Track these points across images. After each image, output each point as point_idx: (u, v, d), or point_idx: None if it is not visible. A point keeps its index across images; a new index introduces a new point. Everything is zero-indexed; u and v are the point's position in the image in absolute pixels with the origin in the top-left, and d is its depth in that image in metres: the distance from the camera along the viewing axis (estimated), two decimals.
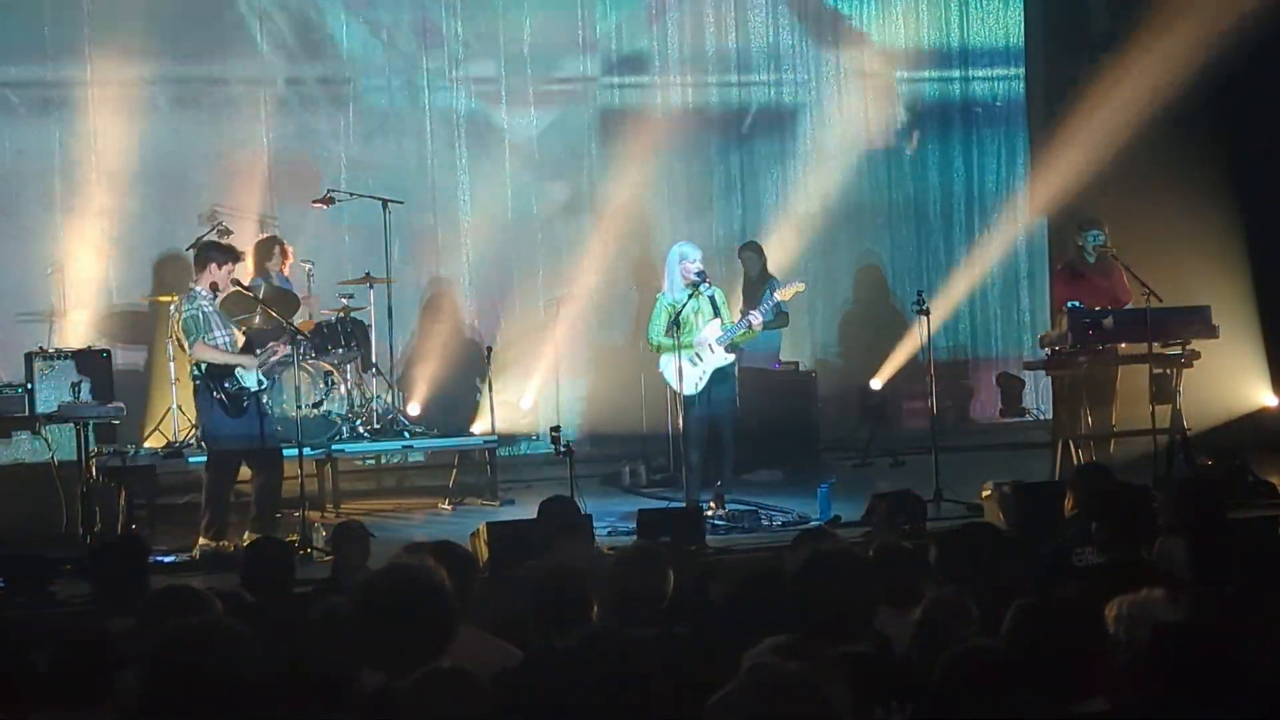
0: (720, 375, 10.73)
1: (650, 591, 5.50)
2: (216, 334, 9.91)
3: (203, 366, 9.91)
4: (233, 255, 10.24)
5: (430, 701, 3.61)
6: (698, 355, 10.64)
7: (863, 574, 4.72)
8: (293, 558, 7.21)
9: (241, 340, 10.18)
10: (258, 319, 11.24)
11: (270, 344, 10.19)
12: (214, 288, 9.96)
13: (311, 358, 11.34)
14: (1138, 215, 12.63)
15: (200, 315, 9.86)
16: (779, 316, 11.65)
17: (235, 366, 9.85)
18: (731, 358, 10.81)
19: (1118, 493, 6.73)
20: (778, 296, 11.11)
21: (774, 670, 3.36)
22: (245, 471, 10.14)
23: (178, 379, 11.67)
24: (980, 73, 15.13)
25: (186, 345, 9.89)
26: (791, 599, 4.69)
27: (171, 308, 10.25)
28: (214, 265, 9.95)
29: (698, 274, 10.68)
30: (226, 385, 9.83)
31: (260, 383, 9.93)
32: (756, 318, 10.85)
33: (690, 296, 10.66)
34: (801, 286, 11.34)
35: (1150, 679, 4.08)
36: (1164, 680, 4.01)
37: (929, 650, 4.43)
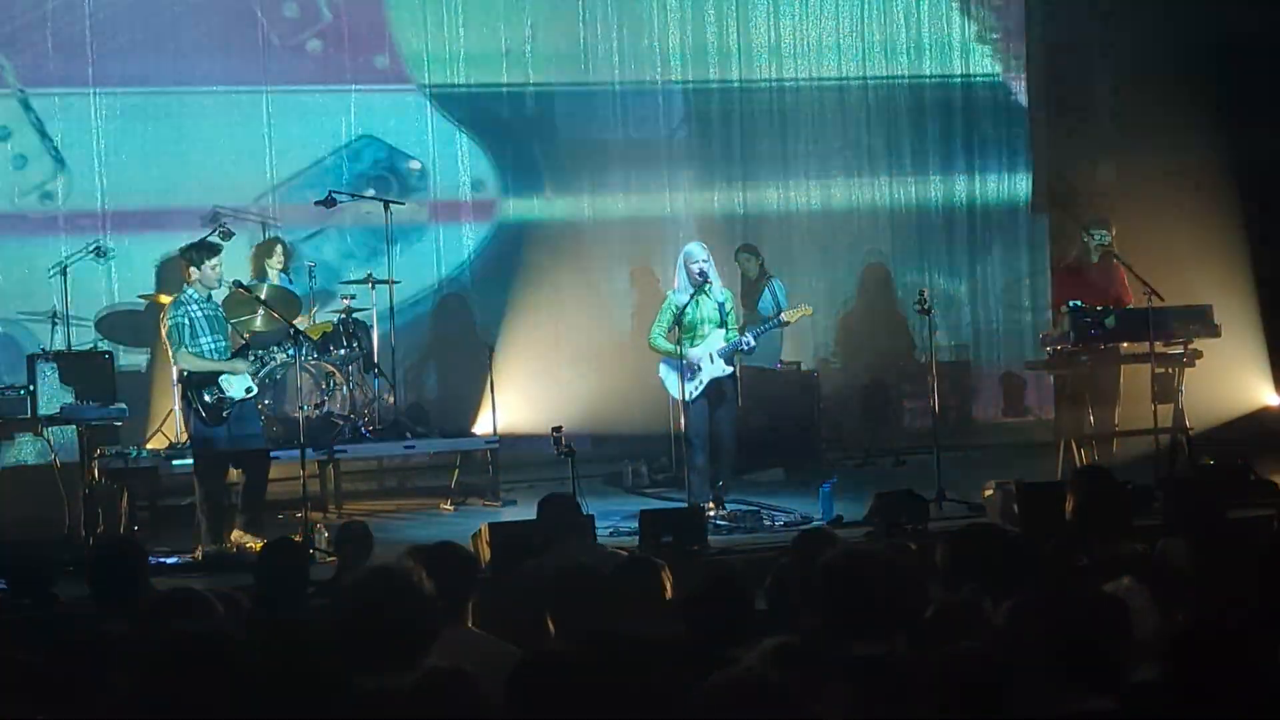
0: (717, 386, 10.74)
1: (651, 594, 5.50)
2: (202, 340, 9.86)
3: (185, 374, 9.89)
4: (209, 250, 10.10)
5: (429, 702, 3.63)
6: (697, 364, 10.67)
7: (893, 576, 4.72)
8: (307, 558, 7.21)
9: (240, 343, 10.16)
10: (259, 320, 11.24)
11: (271, 348, 10.18)
12: (235, 285, 9.91)
13: (313, 358, 11.35)
14: (1139, 214, 12.63)
15: (185, 322, 9.80)
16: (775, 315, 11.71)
17: (220, 375, 9.80)
18: (730, 369, 10.85)
19: (1103, 492, 6.74)
20: (784, 317, 11.19)
21: (734, 679, 3.35)
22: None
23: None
24: (981, 69, 15.13)
25: (170, 353, 9.89)
26: (819, 597, 4.69)
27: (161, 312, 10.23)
28: (193, 269, 9.92)
29: (700, 274, 10.70)
30: (206, 397, 9.78)
31: (249, 390, 9.88)
32: (749, 342, 10.87)
33: (692, 298, 10.68)
34: (809, 310, 11.34)
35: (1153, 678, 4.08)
36: (1169, 681, 4.01)
37: (938, 653, 4.42)
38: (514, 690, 3.75)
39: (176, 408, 11.13)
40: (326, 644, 4.34)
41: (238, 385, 9.81)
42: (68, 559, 9.27)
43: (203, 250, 10.05)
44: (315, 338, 11.46)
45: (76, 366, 11.21)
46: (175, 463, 10.95)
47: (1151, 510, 8.81)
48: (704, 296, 10.72)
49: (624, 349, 13.90)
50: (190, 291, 9.90)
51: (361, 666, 4.12)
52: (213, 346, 9.88)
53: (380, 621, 4.20)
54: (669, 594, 5.66)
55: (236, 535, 9.84)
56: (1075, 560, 6.25)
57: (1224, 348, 11.58)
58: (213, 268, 9.90)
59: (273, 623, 5.32)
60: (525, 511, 10.12)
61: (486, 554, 8.59)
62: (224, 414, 9.81)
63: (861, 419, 14.04)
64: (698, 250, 10.83)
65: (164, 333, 9.91)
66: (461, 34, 13.84)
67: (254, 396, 10.01)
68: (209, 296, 9.99)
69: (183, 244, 10.66)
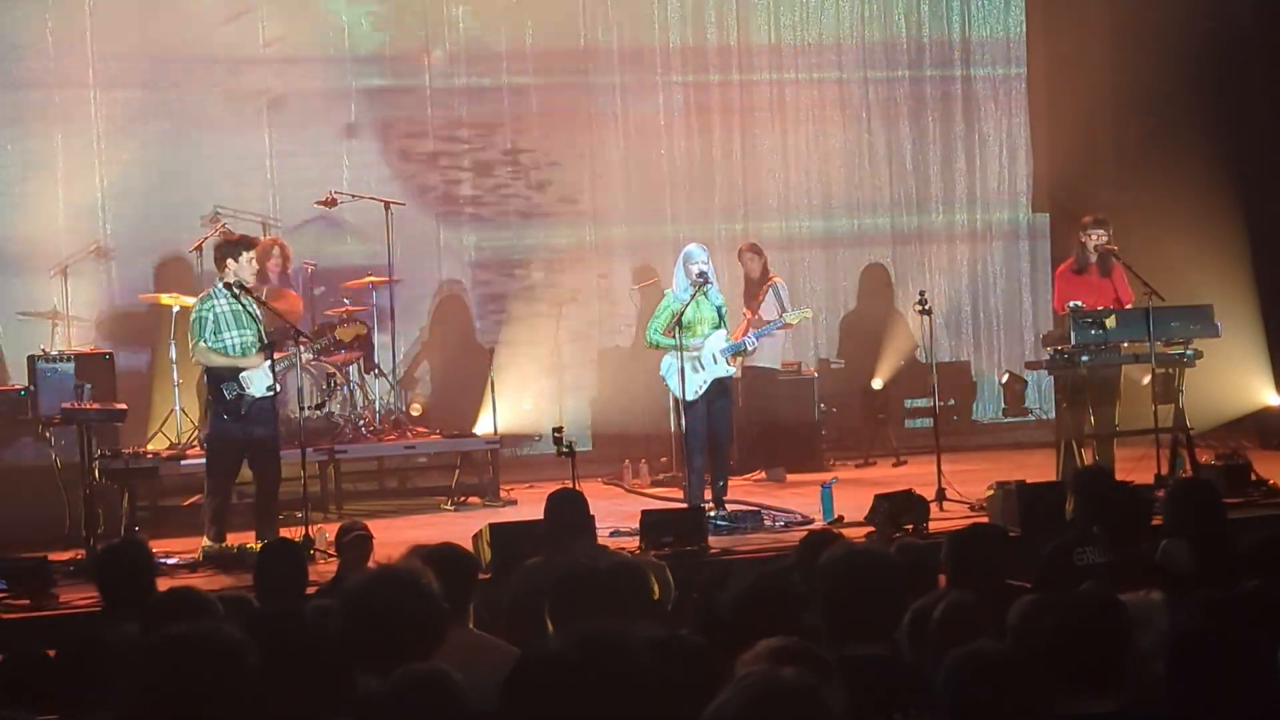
0: (720, 386, 10.75)
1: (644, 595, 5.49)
2: (226, 336, 9.87)
3: (206, 368, 9.92)
4: (245, 244, 10.10)
5: (407, 703, 3.63)
6: (700, 363, 10.67)
7: (895, 576, 4.71)
8: (305, 559, 7.20)
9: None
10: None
11: (286, 346, 10.17)
12: (231, 287, 9.88)
13: (323, 358, 11.32)
14: (1140, 213, 12.62)
15: (209, 317, 9.81)
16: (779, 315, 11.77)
17: (239, 371, 9.80)
18: (734, 369, 10.87)
19: (1113, 493, 6.73)
20: (787, 319, 11.28)
21: (767, 679, 3.34)
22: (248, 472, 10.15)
23: (180, 380, 11.68)
24: (982, 69, 15.14)
25: (190, 345, 9.93)
26: (819, 599, 4.67)
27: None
28: (230, 261, 9.93)
29: (699, 275, 10.70)
30: (224, 391, 9.77)
31: (271, 389, 9.86)
32: (753, 342, 10.95)
33: (692, 297, 10.69)
34: (809, 313, 11.48)
35: (1157, 680, 4.08)
36: (1171, 682, 4.01)
37: (942, 653, 4.42)
38: (509, 692, 3.75)
39: (191, 404, 11.18)
40: (334, 644, 4.33)
41: (259, 383, 9.80)
42: (68, 559, 9.30)
43: (239, 245, 10.05)
44: (348, 340, 11.47)
45: (77, 367, 11.22)
46: (183, 462, 10.99)
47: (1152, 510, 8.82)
48: (703, 298, 10.73)
49: (624, 350, 13.92)
50: (219, 287, 9.91)
51: (370, 667, 4.11)
52: (239, 342, 9.86)
53: (391, 622, 4.19)
54: (657, 595, 5.65)
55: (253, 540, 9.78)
56: (1078, 560, 6.25)
57: (1225, 348, 11.58)
58: (249, 260, 9.92)
59: (275, 623, 5.32)
60: (526, 511, 10.12)
61: (488, 554, 8.59)
62: (242, 411, 9.81)
63: (862, 419, 14.04)
64: (697, 252, 10.84)
65: (189, 325, 9.96)
66: (462, 31, 13.84)
67: (274, 396, 9.96)
68: (241, 292, 9.96)
69: (218, 241, 10.65)
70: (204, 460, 10.30)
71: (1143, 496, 6.93)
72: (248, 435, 9.87)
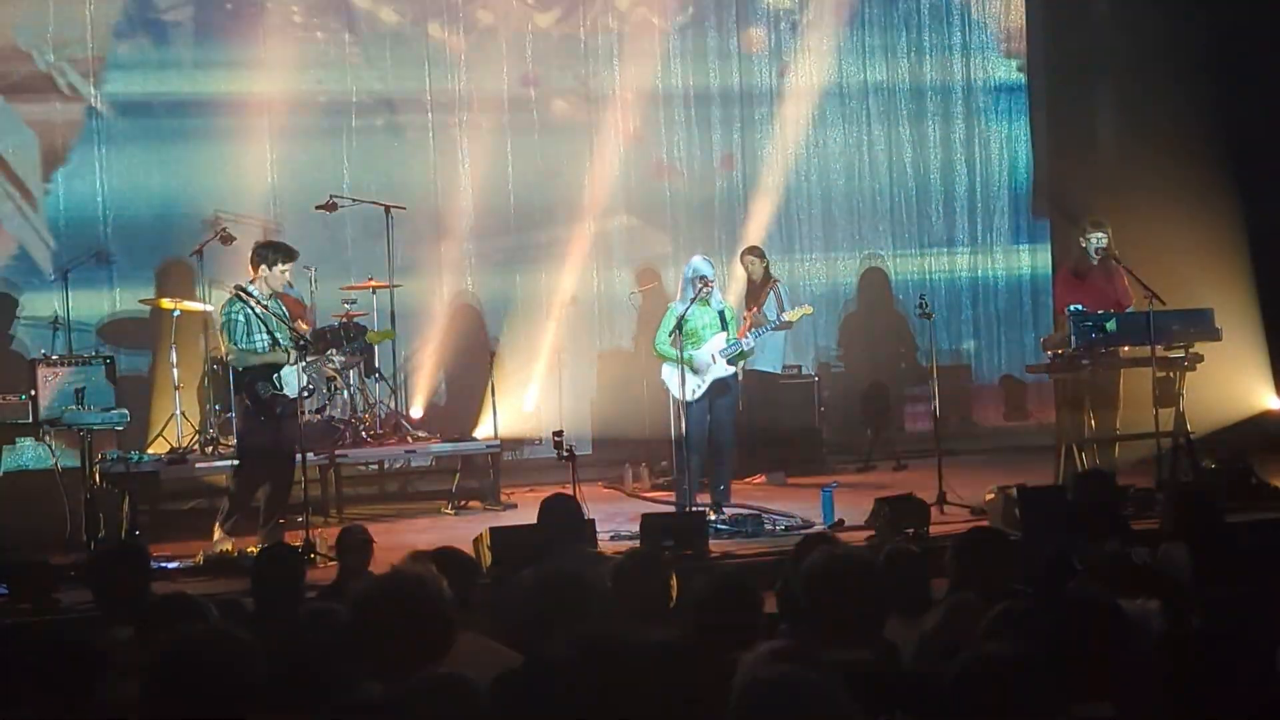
0: (720, 386, 10.80)
1: (651, 597, 5.49)
2: (256, 338, 9.87)
3: (240, 369, 9.93)
4: (285, 254, 10.08)
5: (425, 708, 3.62)
6: (699, 364, 10.72)
7: (875, 580, 4.71)
8: (302, 563, 7.21)
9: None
10: None
11: (330, 351, 10.20)
12: (244, 293, 9.90)
13: (331, 357, 11.31)
14: (1140, 217, 12.62)
15: (240, 319, 9.83)
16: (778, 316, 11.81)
17: (273, 371, 9.81)
18: (733, 369, 10.91)
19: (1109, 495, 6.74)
20: (786, 317, 11.32)
21: (777, 681, 3.34)
22: None
23: (180, 384, 11.67)
24: (982, 73, 15.14)
25: (224, 348, 9.94)
26: (801, 602, 4.67)
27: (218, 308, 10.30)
28: (263, 267, 9.94)
29: (700, 278, 10.74)
30: (260, 390, 9.78)
31: (306, 389, 9.86)
32: (748, 341, 11.00)
33: (691, 301, 10.72)
34: (809, 309, 11.52)
35: (1153, 684, 4.08)
36: (1169, 685, 4.01)
37: (942, 657, 4.41)
38: (499, 695, 3.75)
39: (191, 408, 11.14)
40: (340, 648, 4.32)
41: (293, 383, 9.81)
42: (69, 564, 9.29)
43: (278, 252, 10.05)
44: (377, 343, 11.48)
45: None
46: (190, 466, 10.99)
47: (1152, 514, 8.82)
48: (704, 305, 10.77)
49: (625, 353, 13.91)
50: (251, 288, 9.92)
51: (378, 672, 4.10)
52: (267, 342, 9.87)
53: (402, 626, 4.18)
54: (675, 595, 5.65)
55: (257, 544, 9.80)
56: (1078, 564, 6.25)
57: (1225, 351, 11.56)
58: (281, 273, 9.95)
59: (276, 626, 5.32)
60: (526, 515, 10.11)
61: (488, 558, 8.59)
62: (278, 410, 9.82)
63: (862, 423, 14.04)
64: (704, 266, 10.91)
65: (219, 325, 9.98)
66: (462, 38, 13.85)
67: (310, 394, 9.95)
68: (270, 294, 9.99)
69: (258, 240, 10.66)
70: (209, 464, 10.27)
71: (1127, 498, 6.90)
72: (278, 436, 9.90)
